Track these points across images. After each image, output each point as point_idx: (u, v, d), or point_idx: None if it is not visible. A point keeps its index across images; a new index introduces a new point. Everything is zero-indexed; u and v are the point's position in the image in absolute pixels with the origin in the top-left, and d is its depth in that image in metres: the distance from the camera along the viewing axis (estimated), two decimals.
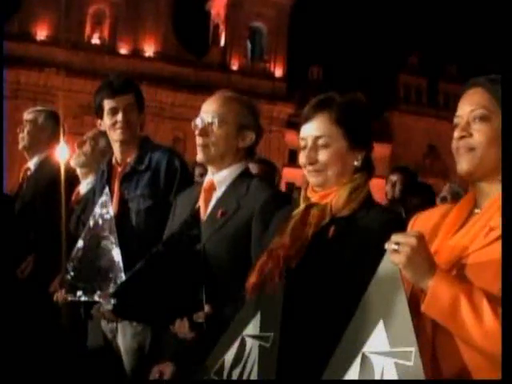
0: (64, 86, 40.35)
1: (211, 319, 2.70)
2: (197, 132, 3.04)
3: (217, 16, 50.37)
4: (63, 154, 5.00)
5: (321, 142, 2.47)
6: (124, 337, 3.60)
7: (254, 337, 2.21)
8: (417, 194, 5.79)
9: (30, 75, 41.53)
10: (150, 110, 43.77)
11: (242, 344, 2.25)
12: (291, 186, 30.38)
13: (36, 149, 5.05)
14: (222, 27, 49.56)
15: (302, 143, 2.52)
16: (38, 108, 5.29)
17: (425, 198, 5.52)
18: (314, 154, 2.47)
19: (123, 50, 45.26)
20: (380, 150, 50.03)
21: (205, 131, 3.02)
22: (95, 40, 44.53)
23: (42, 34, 42.96)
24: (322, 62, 55.91)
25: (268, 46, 49.55)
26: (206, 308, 2.73)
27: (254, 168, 5.63)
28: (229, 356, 2.28)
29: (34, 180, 4.96)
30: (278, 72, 49.67)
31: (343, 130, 2.47)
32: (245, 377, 2.16)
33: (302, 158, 2.51)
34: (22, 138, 5.05)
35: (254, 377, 2.13)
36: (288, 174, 37.51)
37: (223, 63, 48.23)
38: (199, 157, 3.07)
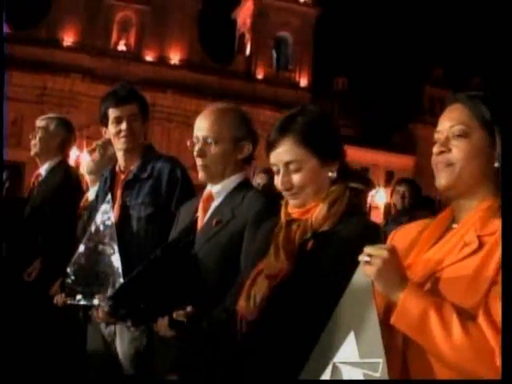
0: (89, 92, 40.60)
1: (192, 318, 2.73)
2: (195, 153, 3.08)
3: (243, 25, 50.55)
4: (84, 159, 5.09)
5: (292, 167, 2.46)
6: (122, 341, 3.66)
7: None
8: (425, 207, 5.89)
9: (56, 81, 41.87)
10: (174, 117, 44.13)
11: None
12: None
13: (47, 155, 5.14)
14: (247, 36, 49.72)
15: (275, 168, 2.52)
16: (50, 115, 5.38)
17: (431, 211, 5.59)
18: (288, 179, 2.47)
19: (149, 58, 45.50)
20: (404, 162, 49.93)
21: (203, 152, 3.07)
22: (121, 47, 44.80)
23: (68, 39, 43.32)
24: (347, 72, 55.90)
25: (293, 55, 49.61)
26: (188, 308, 2.76)
27: (261, 178, 5.70)
28: None
29: (45, 185, 5.04)
30: (303, 82, 49.70)
31: (311, 150, 2.46)
32: None
33: (277, 183, 2.51)
34: (34, 145, 5.15)
35: None
36: None
37: (248, 72, 48.33)
38: (200, 176, 3.11)
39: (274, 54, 49.85)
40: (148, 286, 3.03)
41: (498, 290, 1.84)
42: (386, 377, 1.77)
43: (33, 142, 5.15)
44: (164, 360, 3.05)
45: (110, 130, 3.83)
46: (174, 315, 2.77)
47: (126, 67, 43.47)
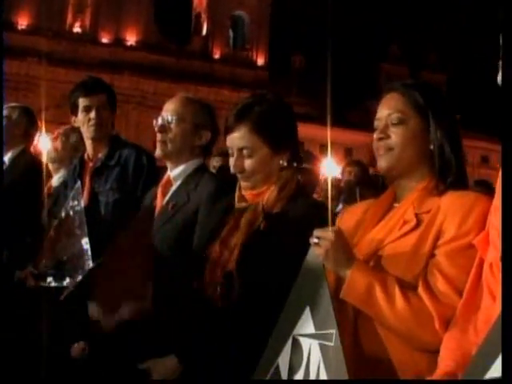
0: (46, 76, 40.31)
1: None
2: (156, 129, 3.29)
3: (199, 5, 50.45)
4: (44, 144, 5.18)
5: (244, 152, 2.67)
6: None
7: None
8: (371, 186, 6.17)
9: (12, 65, 41.39)
10: (132, 99, 43.96)
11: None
12: None
13: (11, 144, 5.21)
14: (203, 16, 49.64)
15: (230, 151, 2.73)
16: (12, 104, 5.44)
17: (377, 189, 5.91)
18: (240, 163, 2.68)
19: (105, 39, 45.30)
20: (362, 139, 50.28)
21: (163, 128, 3.28)
22: (77, 29, 44.48)
23: (23, 23, 42.93)
24: (304, 50, 55.87)
25: (250, 34, 49.68)
26: None
27: (218, 160, 5.84)
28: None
29: (9, 174, 5.12)
30: (260, 61, 49.83)
31: (264, 139, 2.66)
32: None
33: (231, 165, 2.72)
34: None
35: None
36: None
37: (205, 52, 48.35)
38: (157, 152, 3.33)
39: (231, 34, 49.88)
40: (108, 273, 3.21)
41: (434, 262, 2.08)
42: (339, 345, 1.98)
43: None
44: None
45: (80, 118, 4.00)
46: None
47: (83, 49, 43.25)
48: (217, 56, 48.42)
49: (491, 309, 1.83)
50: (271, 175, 2.70)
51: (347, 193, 6.07)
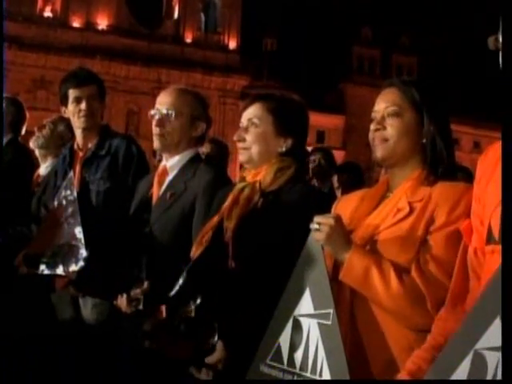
0: (17, 60, 40.00)
1: (149, 294, 2.98)
2: (154, 123, 3.40)
3: None
4: None
5: (251, 123, 2.88)
6: (85, 307, 3.93)
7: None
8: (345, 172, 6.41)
9: None
10: (104, 83, 43.67)
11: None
12: None
13: None
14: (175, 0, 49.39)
15: (240, 125, 2.94)
16: None
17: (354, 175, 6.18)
18: (244, 134, 2.90)
19: (76, 24, 44.97)
20: (334, 122, 50.56)
21: (162, 122, 3.39)
22: (47, 13, 44.09)
23: None
24: (276, 33, 55.89)
25: (222, 18, 49.57)
26: (145, 284, 3.02)
27: (205, 147, 5.96)
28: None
29: None
30: (232, 44, 49.78)
31: (272, 118, 2.87)
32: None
33: (236, 135, 2.93)
34: None
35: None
36: None
37: (177, 36, 48.19)
38: (156, 145, 3.44)
39: (203, 17, 49.70)
40: (107, 264, 3.32)
41: (426, 247, 2.23)
42: (336, 324, 2.14)
43: None
44: (132, 323, 3.22)
45: (70, 109, 4.09)
46: (132, 293, 3.03)
47: (54, 34, 42.92)
48: (188, 40, 48.29)
49: (477, 290, 1.94)
50: (270, 155, 2.87)
51: (320, 179, 6.24)
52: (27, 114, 5.36)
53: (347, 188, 6.14)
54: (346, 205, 2.52)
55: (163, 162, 3.49)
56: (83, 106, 4.04)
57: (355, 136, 47.85)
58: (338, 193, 6.24)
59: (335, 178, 6.40)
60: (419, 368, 1.96)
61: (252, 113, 2.89)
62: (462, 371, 1.59)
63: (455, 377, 1.60)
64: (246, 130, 2.89)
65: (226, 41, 49.36)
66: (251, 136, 2.87)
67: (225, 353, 2.54)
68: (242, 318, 2.56)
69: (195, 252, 2.80)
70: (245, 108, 2.93)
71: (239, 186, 2.87)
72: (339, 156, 46.17)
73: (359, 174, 6.53)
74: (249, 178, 2.88)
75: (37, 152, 5.16)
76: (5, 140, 5.26)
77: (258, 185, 2.81)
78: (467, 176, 4.20)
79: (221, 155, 5.77)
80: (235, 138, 2.91)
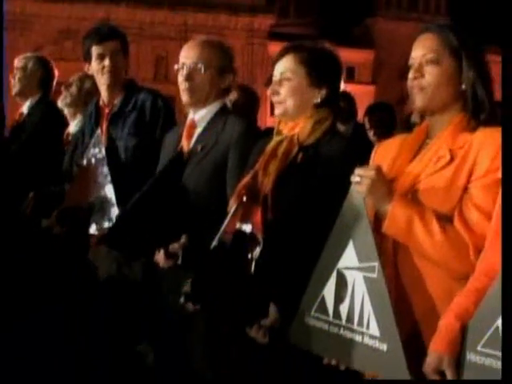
0: (42, 13, 39.88)
1: (187, 248, 2.99)
2: (182, 78, 3.32)
3: None
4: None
5: (284, 76, 2.81)
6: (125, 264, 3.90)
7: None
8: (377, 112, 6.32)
9: (7, 3, 40.91)
10: (130, 31, 43.35)
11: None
12: None
13: (28, 94, 5.26)
14: None
15: (273, 79, 2.86)
16: (27, 55, 5.47)
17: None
18: (278, 87, 2.82)
19: None
20: (363, 56, 49.86)
21: (190, 76, 3.31)
22: None
23: None
24: None
25: None
26: (182, 238, 3.01)
27: (232, 95, 5.84)
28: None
29: (29, 122, 5.18)
30: None
31: (305, 70, 2.80)
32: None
33: (269, 89, 2.86)
34: (14, 85, 5.27)
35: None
36: None
37: None
38: (185, 99, 3.36)
39: None
40: (142, 220, 3.25)
41: (468, 196, 2.18)
42: (382, 277, 2.12)
43: (13, 83, 5.27)
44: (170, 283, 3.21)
45: (94, 66, 4.03)
46: (170, 248, 3.04)
47: None
48: None
49: None
50: (305, 107, 2.81)
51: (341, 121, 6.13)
52: (56, 72, 5.33)
53: (379, 128, 6.03)
54: (385, 152, 2.46)
55: (190, 115, 3.42)
56: (107, 62, 3.97)
57: (385, 71, 47.20)
58: (371, 133, 6.13)
59: (366, 119, 6.29)
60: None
61: (284, 66, 2.82)
62: None
63: None
64: (280, 83, 2.82)
65: None
66: (285, 89, 2.81)
67: (278, 315, 2.55)
68: (285, 273, 2.53)
69: (232, 207, 2.73)
70: (276, 60, 2.87)
71: (276, 139, 2.82)
72: (370, 91, 45.79)
73: (391, 113, 6.40)
74: (286, 132, 2.82)
75: (65, 110, 5.11)
76: (34, 99, 5.25)
77: (295, 138, 2.77)
78: None
79: (249, 102, 5.64)
80: (269, 92, 2.85)
